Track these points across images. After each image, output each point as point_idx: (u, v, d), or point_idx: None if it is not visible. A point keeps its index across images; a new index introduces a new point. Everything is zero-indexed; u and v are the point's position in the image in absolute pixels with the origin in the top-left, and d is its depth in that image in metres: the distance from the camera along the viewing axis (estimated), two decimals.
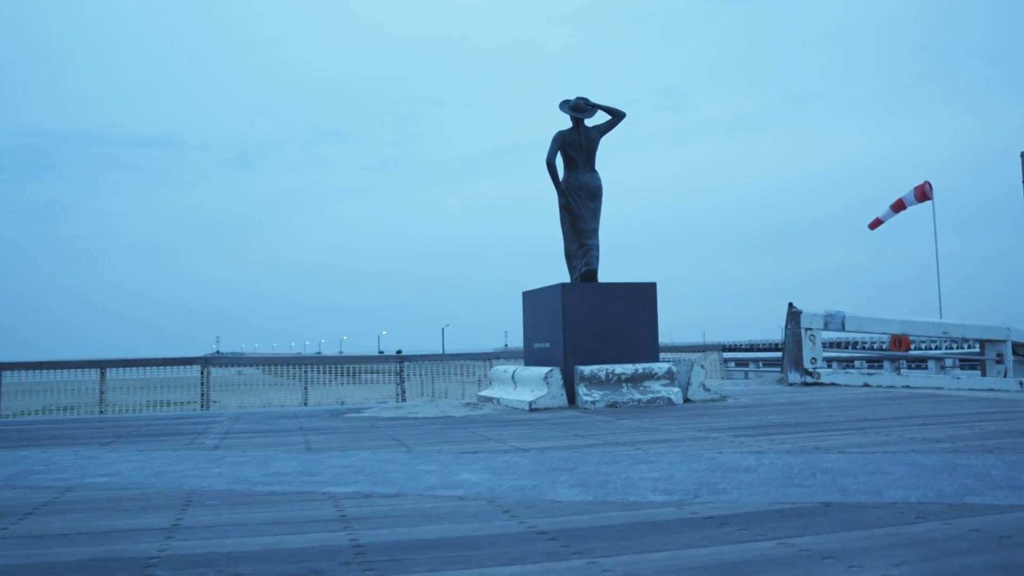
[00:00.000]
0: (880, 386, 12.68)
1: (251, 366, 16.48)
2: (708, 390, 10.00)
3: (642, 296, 10.14)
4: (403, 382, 15.94)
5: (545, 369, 9.62)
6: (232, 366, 15.98)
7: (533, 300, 10.87)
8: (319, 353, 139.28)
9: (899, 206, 24.10)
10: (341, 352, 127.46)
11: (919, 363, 17.23)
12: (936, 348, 19.32)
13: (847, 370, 13.30)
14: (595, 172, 10.57)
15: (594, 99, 10.62)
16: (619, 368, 9.54)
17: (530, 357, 10.98)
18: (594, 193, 10.48)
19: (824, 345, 12.90)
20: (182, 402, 15.73)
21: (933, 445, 5.07)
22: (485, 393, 11.01)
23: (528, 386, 9.88)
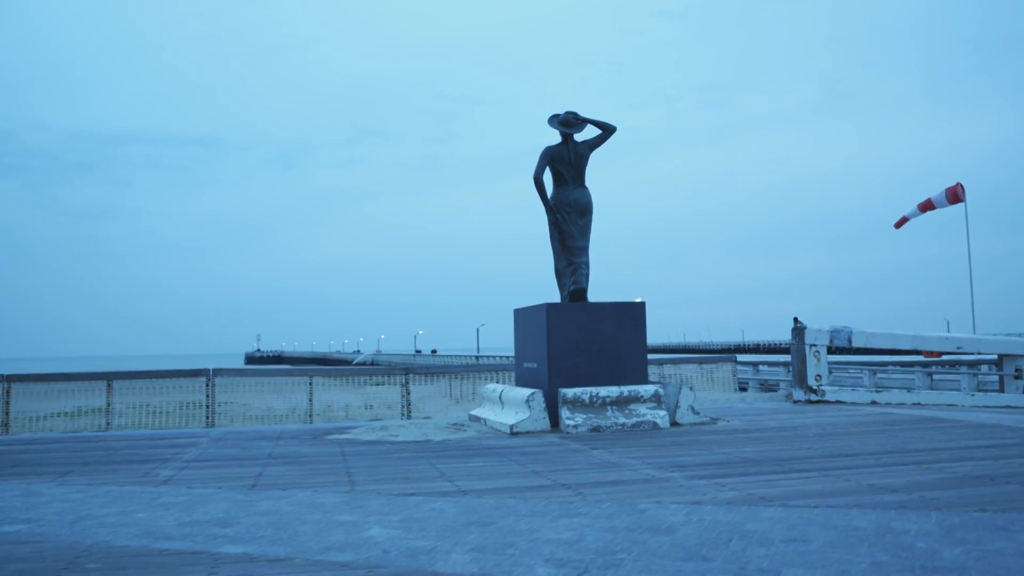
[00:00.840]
0: (889, 404, 12.28)
1: (256, 376, 16.35)
2: (697, 413, 9.72)
3: (630, 316, 9.90)
4: (408, 394, 15.83)
5: (528, 392, 9.42)
6: (237, 376, 15.91)
7: (523, 319, 10.67)
8: (357, 351, 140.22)
9: (927, 206, 23.53)
10: (379, 351, 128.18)
11: (953, 366, 16.70)
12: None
13: (855, 388, 12.89)
14: (585, 188, 10.34)
15: (583, 113, 10.39)
16: (603, 391, 9.31)
17: (520, 376, 10.80)
18: (583, 210, 10.25)
19: (847, 350, 12.55)
20: (192, 402, 15.72)
21: (883, 497, 4.80)
22: (475, 412, 10.85)
23: (513, 408, 9.69)
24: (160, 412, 15.13)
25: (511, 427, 9.12)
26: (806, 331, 12.34)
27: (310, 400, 15.49)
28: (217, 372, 15.18)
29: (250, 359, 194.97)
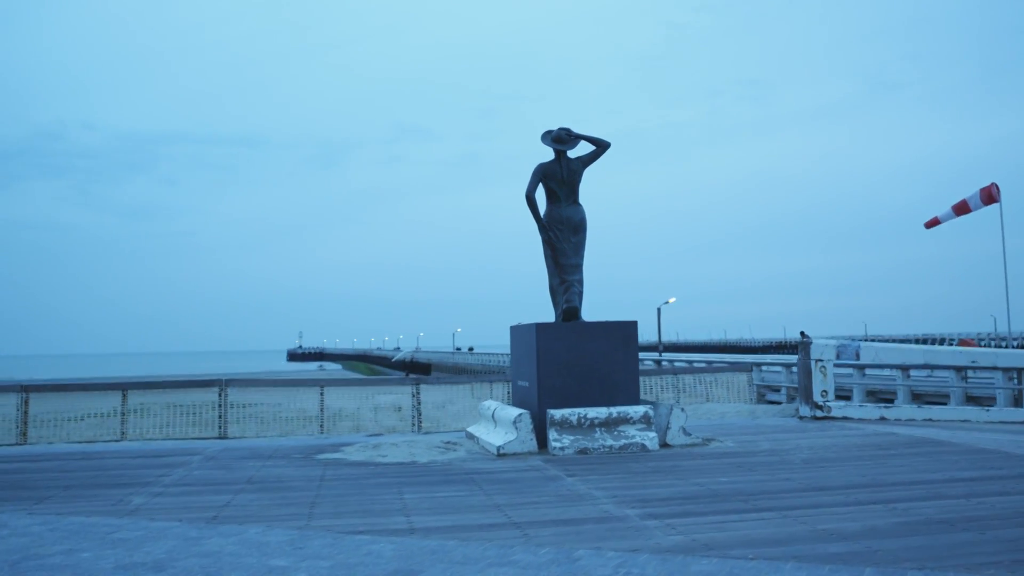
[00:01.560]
0: (898, 420, 12.02)
1: (269, 386, 16.53)
2: (688, 434, 9.59)
3: (621, 336, 9.79)
4: (419, 404, 15.86)
5: (516, 412, 9.37)
6: (250, 386, 16.08)
7: (517, 336, 10.62)
8: (397, 349, 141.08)
9: (962, 208, 22.98)
10: (418, 348, 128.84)
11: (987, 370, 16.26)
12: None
13: (862, 404, 12.62)
14: (578, 205, 10.24)
15: (576, 130, 10.29)
16: (592, 412, 9.22)
17: (515, 394, 10.75)
18: (576, 227, 10.16)
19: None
20: (206, 412, 15.91)
21: (828, 548, 4.67)
22: (471, 429, 10.82)
23: (503, 428, 9.65)
24: (173, 424, 15.35)
25: (498, 448, 9.08)
26: (812, 346, 12.12)
27: (321, 410, 15.61)
28: (230, 383, 15.36)
29: (292, 356, 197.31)
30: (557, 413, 9.19)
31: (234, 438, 15.17)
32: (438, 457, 9.11)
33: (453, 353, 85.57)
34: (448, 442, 10.23)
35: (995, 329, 75.55)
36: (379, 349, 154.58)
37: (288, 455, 9.63)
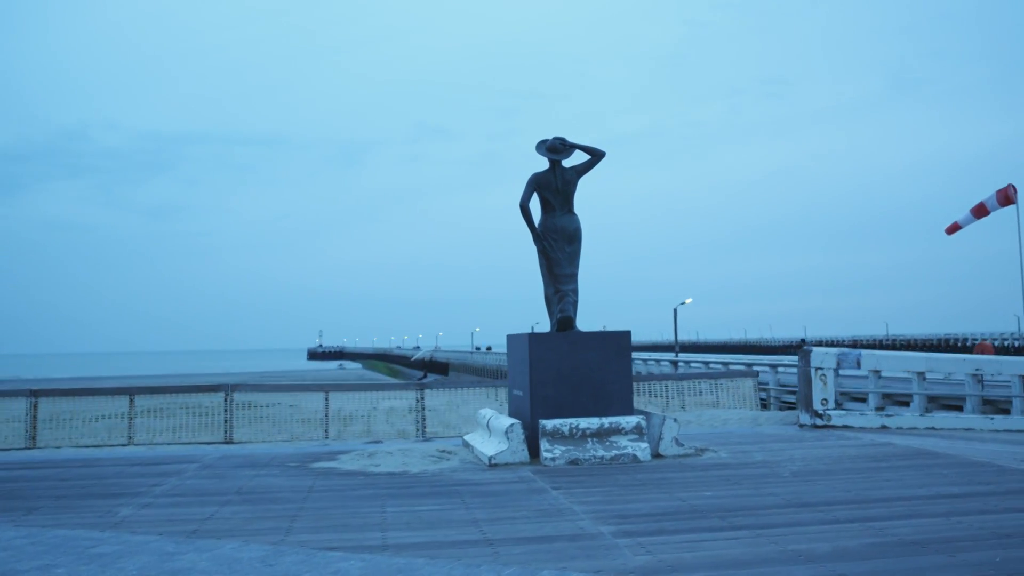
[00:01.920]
0: (900, 428, 11.93)
1: (273, 391, 16.64)
2: (681, 445, 9.56)
3: (615, 346, 9.78)
4: (424, 410, 15.92)
5: (508, 423, 9.39)
6: (256, 391, 16.21)
7: (512, 345, 10.65)
8: (416, 348, 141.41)
9: (981, 211, 22.75)
10: (437, 348, 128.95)
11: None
12: None
13: (863, 412, 12.54)
14: (573, 215, 10.25)
15: (571, 139, 10.29)
16: (584, 423, 9.23)
17: (511, 403, 10.77)
18: (571, 237, 10.16)
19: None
20: (211, 417, 16.05)
21: (792, 571, 4.66)
22: (467, 437, 10.86)
23: (496, 438, 9.68)
24: (180, 428, 15.51)
25: (490, 459, 9.11)
26: (812, 354, 12.05)
27: (326, 415, 15.70)
28: (235, 388, 15.49)
29: (312, 355, 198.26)
30: (549, 423, 9.21)
31: (239, 443, 15.32)
32: (430, 467, 9.15)
33: (471, 353, 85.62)
34: (443, 450, 10.26)
35: (1019, 328, 74.67)
36: (399, 348, 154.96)
37: (284, 463, 9.70)
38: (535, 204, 10.24)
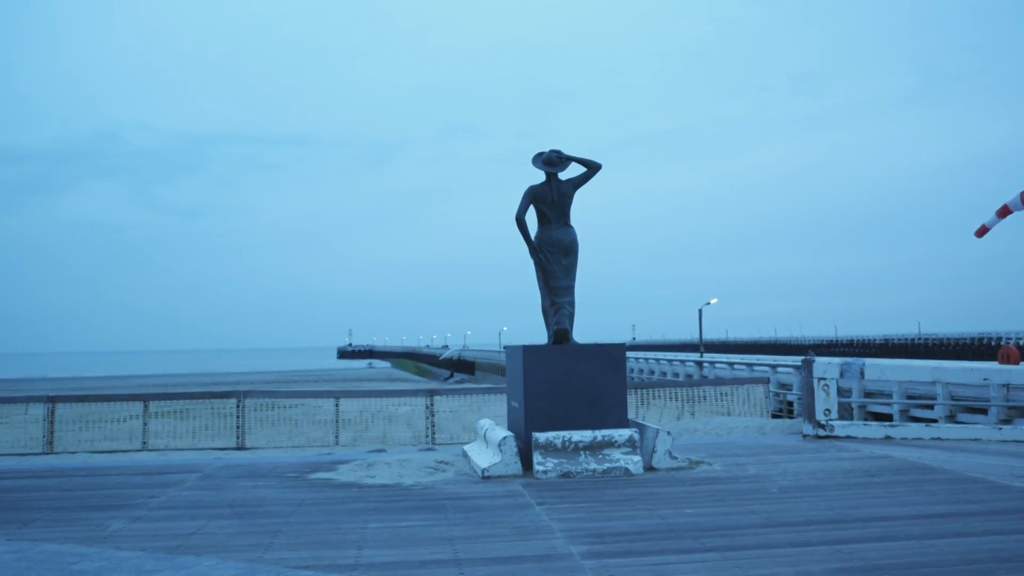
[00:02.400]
0: (905, 439, 11.85)
1: (284, 397, 16.86)
2: (675, 458, 9.57)
3: (609, 359, 9.82)
4: (433, 416, 16.04)
5: (501, 435, 9.47)
6: (269, 397, 16.43)
7: (509, 357, 10.72)
8: (445, 347, 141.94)
9: (1004, 212, 22.53)
10: (465, 347, 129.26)
11: None
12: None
13: (867, 423, 12.45)
14: (569, 227, 10.30)
15: (567, 151, 10.34)
16: (576, 435, 9.28)
17: (509, 414, 10.85)
18: (567, 249, 10.21)
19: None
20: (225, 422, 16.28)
21: None
22: (466, 448, 10.95)
23: (491, 449, 9.75)
24: (194, 433, 15.77)
25: (483, 471, 9.19)
26: (815, 364, 11.99)
27: (336, 421, 15.88)
28: (247, 394, 15.71)
29: (342, 353, 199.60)
30: (542, 436, 9.27)
31: (251, 448, 15.56)
32: (424, 479, 9.24)
33: (499, 352, 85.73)
34: (441, 461, 10.35)
35: None
36: (427, 347, 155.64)
37: (283, 474, 9.84)
38: (532, 217, 10.31)
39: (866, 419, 20.61)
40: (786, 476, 8.87)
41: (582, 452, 9.24)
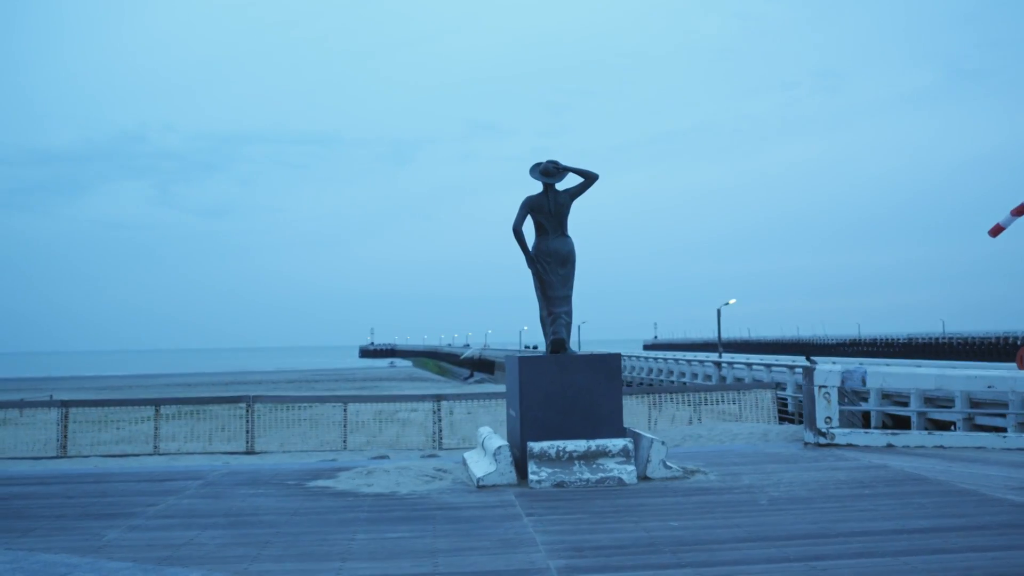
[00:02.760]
0: (907, 447, 11.82)
1: (293, 402, 17.04)
2: (669, 467, 9.62)
3: (605, 368, 9.89)
4: (440, 421, 16.16)
5: (497, 444, 9.57)
6: (278, 402, 16.62)
7: (508, 367, 10.81)
8: (466, 346, 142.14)
9: (1021, 210, 22.35)
10: (486, 346, 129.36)
11: None
12: None
13: (868, 431, 12.43)
14: (566, 237, 10.38)
15: (564, 162, 10.42)
16: (571, 445, 9.36)
17: (508, 422, 10.94)
18: (564, 259, 10.29)
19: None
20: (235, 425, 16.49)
21: None
22: (466, 455, 11.05)
23: (487, 458, 9.86)
24: (204, 437, 15.99)
25: (478, 480, 9.29)
26: (816, 371, 11.99)
27: (344, 426, 16.04)
28: (256, 399, 15.91)
29: (364, 352, 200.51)
30: (537, 446, 9.35)
31: (260, 452, 15.75)
32: (420, 487, 9.35)
33: (521, 352, 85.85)
34: (440, 469, 10.46)
35: None
36: (449, 346, 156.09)
37: (284, 481, 9.99)
38: (529, 227, 10.40)
39: (884, 424, 20.58)
40: (779, 487, 8.90)
41: (576, 462, 9.31)
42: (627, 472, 9.27)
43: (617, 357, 9.97)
